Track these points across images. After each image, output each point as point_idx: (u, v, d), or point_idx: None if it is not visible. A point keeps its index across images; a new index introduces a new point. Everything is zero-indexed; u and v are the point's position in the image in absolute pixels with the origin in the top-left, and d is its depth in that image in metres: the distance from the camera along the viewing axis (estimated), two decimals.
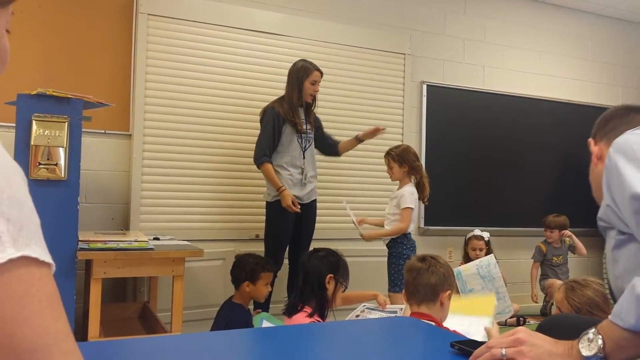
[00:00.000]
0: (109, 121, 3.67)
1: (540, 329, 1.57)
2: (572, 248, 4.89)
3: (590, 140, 1.35)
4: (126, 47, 3.77)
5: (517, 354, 0.95)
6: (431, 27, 4.87)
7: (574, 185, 5.41)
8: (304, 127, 3.62)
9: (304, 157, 3.63)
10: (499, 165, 5.09)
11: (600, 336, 0.92)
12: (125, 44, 3.77)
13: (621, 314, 0.90)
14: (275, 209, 3.55)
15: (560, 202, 5.37)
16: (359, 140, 3.85)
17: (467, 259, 4.49)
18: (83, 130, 2.68)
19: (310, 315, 2.58)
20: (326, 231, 4.13)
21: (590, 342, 0.93)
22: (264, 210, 4.04)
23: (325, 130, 3.89)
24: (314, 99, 3.67)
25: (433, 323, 1.96)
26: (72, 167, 2.58)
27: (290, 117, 3.54)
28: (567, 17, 5.52)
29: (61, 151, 2.55)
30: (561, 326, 1.16)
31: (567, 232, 4.86)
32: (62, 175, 2.55)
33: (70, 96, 2.57)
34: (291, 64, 4.14)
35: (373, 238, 3.69)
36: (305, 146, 3.64)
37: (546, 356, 0.94)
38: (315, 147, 3.82)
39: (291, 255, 3.68)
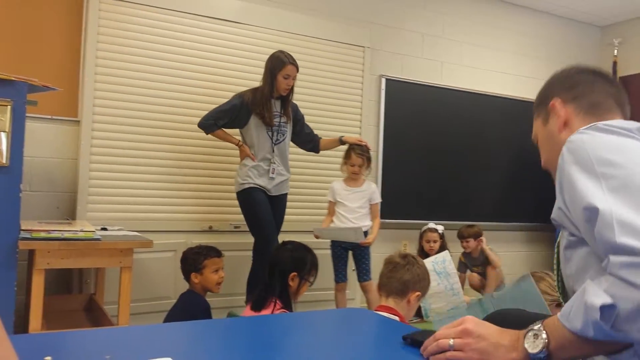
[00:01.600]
0: (57, 107, 3.52)
1: (487, 320, 1.57)
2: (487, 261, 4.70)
3: (557, 101, 1.25)
4: (76, 30, 3.61)
5: (463, 346, 0.96)
6: (391, 21, 4.87)
7: (528, 181, 5.54)
8: (276, 120, 3.55)
9: (273, 151, 3.56)
10: (455, 160, 5.15)
11: (545, 332, 0.92)
12: (75, 26, 3.61)
13: (569, 315, 0.90)
14: (247, 197, 3.51)
15: (514, 197, 5.49)
16: (341, 142, 3.88)
17: (421, 252, 4.53)
18: (28, 115, 2.56)
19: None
20: (296, 224, 4.11)
21: (535, 339, 0.93)
22: (218, 201, 3.99)
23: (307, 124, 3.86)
24: (291, 91, 3.59)
25: (397, 318, 2.01)
26: (14, 152, 2.45)
27: (259, 109, 3.46)
28: (523, 16, 5.62)
29: (3, 136, 2.42)
30: (508, 317, 1.17)
31: (483, 239, 4.70)
32: (4, 161, 2.42)
33: (13, 78, 2.44)
34: (248, 52, 4.08)
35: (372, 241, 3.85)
36: (276, 139, 3.57)
37: (492, 348, 0.95)
38: (293, 141, 3.77)
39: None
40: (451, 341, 0.97)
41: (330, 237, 3.83)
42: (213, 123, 3.48)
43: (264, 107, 3.48)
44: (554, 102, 1.26)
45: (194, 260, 3.08)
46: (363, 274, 3.82)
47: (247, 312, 2.59)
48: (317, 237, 3.76)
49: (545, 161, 1.30)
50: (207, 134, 3.56)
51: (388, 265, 2.27)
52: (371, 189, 3.91)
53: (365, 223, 3.82)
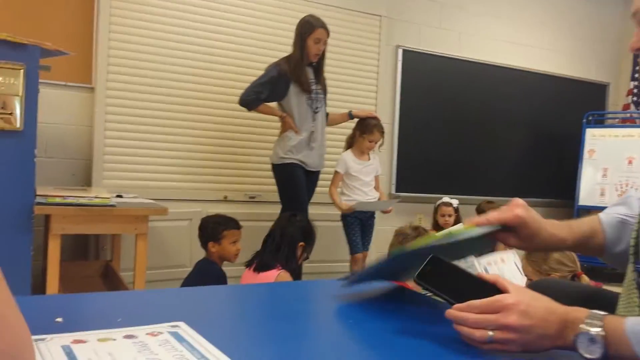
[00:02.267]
0: (70, 73, 3.50)
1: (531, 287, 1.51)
2: None
3: None
4: None
5: (505, 340, 0.83)
6: None
7: (546, 156, 5.46)
8: (312, 87, 3.48)
9: (313, 120, 3.50)
10: (472, 134, 5.08)
11: (602, 341, 0.81)
12: None
13: None
14: (286, 172, 3.46)
15: (531, 172, 5.42)
16: (350, 117, 3.83)
17: (436, 226, 4.50)
18: (42, 81, 2.53)
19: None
20: None
21: (591, 344, 0.81)
22: (234, 171, 3.96)
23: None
24: (322, 57, 3.52)
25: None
26: (28, 117, 2.44)
27: (296, 76, 3.39)
28: None
29: (16, 100, 2.40)
30: (548, 291, 1.05)
31: None
32: (18, 126, 2.41)
33: (26, 42, 2.42)
34: (263, 20, 4.00)
35: None
36: (316, 107, 3.51)
37: (537, 340, 0.84)
38: None
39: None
40: (490, 332, 0.84)
41: (367, 209, 3.85)
42: (255, 98, 3.39)
43: (300, 73, 3.40)
44: None
45: (213, 229, 3.07)
46: (367, 243, 3.90)
47: (248, 273, 2.64)
48: (348, 210, 3.74)
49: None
50: (249, 110, 3.48)
51: (398, 236, 2.28)
52: (377, 161, 3.96)
53: (376, 194, 3.89)
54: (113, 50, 3.56)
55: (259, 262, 2.68)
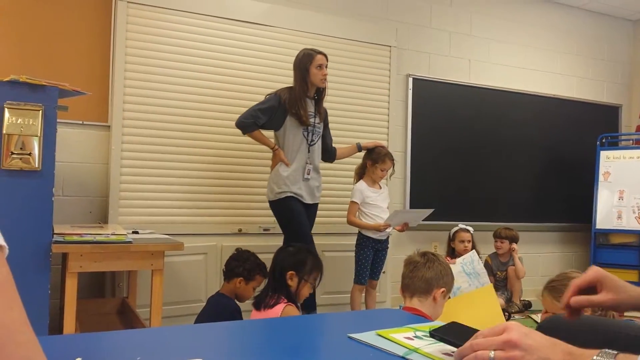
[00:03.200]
0: (87, 112, 3.58)
1: (540, 329, 1.48)
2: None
3: None
4: (105, 35, 3.67)
5: (507, 359, 0.81)
6: (417, 19, 4.82)
7: (559, 180, 5.42)
8: (311, 120, 3.49)
9: (309, 152, 3.50)
10: (485, 160, 5.07)
11: None
12: (104, 32, 3.67)
13: None
14: (283, 206, 3.43)
15: (545, 197, 5.37)
16: (359, 149, 3.85)
17: (452, 253, 4.46)
18: (60, 120, 2.59)
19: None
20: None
21: None
22: (247, 204, 3.99)
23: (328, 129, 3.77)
24: (324, 88, 3.53)
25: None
26: (46, 157, 2.48)
27: (295, 109, 3.40)
28: (553, 12, 5.52)
29: (35, 140, 2.45)
30: (560, 327, 1.01)
31: (516, 246, 4.66)
32: (36, 166, 2.45)
33: (44, 83, 2.48)
34: (275, 55, 4.07)
35: None
36: (311, 140, 3.51)
37: None
38: None
39: None
40: (492, 353, 0.82)
41: (405, 219, 3.86)
42: (253, 122, 3.38)
43: (299, 106, 3.41)
44: None
45: (251, 268, 3.02)
46: (378, 272, 3.91)
47: (254, 314, 2.60)
48: (385, 226, 3.73)
49: None
50: (244, 134, 3.46)
51: (408, 265, 2.24)
52: (387, 190, 4.02)
53: None
54: (128, 89, 3.63)
55: (257, 300, 2.62)
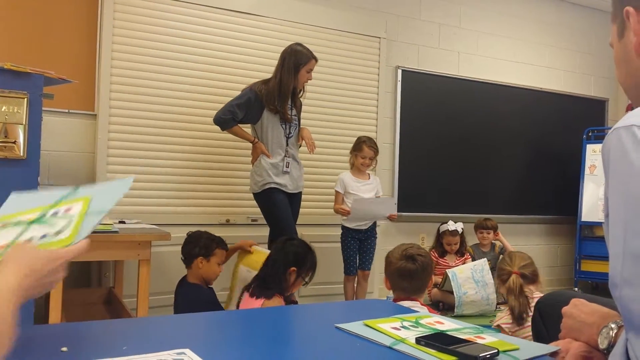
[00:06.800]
0: (73, 100, 3.53)
1: (539, 304, 1.61)
2: (502, 251, 4.61)
3: (630, 10, 0.96)
4: (92, 23, 3.62)
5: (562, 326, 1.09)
6: (407, 11, 4.82)
7: (546, 173, 5.46)
8: (290, 113, 3.48)
9: (287, 145, 3.49)
10: (472, 152, 5.09)
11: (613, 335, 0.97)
12: (91, 19, 3.62)
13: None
14: (267, 198, 3.43)
15: (532, 190, 5.41)
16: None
17: (439, 250, 4.44)
18: (45, 109, 2.56)
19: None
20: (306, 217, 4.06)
21: (605, 338, 0.98)
22: (235, 194, 3.98)
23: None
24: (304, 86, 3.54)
25: (418, 303, 2.13)
26: (32, 145, 2.46)
27: (273, 104, 3.37)
28: (541, 5, 5.53)
29: (20, 129, 2.42)
30: (562, 302, 1.16)
31: (499, 234, 4.67)
32: (21, 154, 2.43)
33: (29, 71, 2.45)
34: (264, 45, 4.04)
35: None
36: (289, 132, 3.50)
37: (577, 325, 1.04)
38: None
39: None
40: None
41: (364, 211, 3.80)
42: (231, 118, 3.38)
43: (282, 102, 3.40)
44: (627, 9, 0.96)
45: (206, 245, 2.97)
46: (368, 263, 3.91)
47: (247, 297, 2.60)
48: (346, 214, 3.74)
49: (620, 81, 1.08)
50: (223, 130, 3.47)
51: (404, 276, 2.20)
52: (377, 181, 4.00)
53: None
54: (115, 77, 3.60)
55: (255, 288, 2.61)
